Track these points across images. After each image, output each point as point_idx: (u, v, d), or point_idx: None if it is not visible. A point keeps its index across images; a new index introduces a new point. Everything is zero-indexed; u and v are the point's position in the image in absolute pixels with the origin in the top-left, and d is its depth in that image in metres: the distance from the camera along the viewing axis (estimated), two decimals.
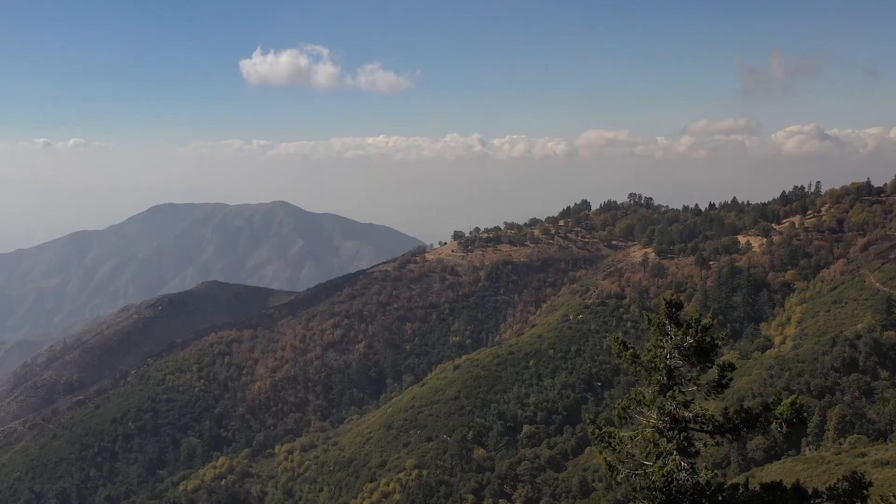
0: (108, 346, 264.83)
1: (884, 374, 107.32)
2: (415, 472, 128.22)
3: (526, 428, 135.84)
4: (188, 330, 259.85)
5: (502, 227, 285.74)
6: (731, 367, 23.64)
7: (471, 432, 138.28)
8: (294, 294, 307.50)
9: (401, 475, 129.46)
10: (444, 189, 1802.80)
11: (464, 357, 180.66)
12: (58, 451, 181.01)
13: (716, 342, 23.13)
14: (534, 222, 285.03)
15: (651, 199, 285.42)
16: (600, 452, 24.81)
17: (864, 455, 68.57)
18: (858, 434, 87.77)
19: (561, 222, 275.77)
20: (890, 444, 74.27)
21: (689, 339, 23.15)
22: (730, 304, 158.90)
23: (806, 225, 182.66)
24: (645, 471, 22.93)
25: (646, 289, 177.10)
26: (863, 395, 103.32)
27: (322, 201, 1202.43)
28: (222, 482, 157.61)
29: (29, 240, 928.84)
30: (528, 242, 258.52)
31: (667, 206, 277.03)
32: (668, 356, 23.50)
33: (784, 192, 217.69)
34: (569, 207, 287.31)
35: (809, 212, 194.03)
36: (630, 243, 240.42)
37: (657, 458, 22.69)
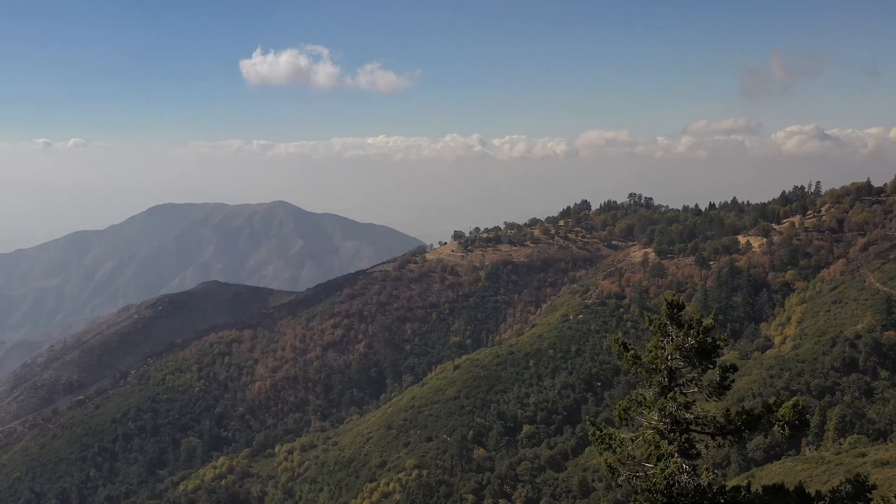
0: (108, 346, 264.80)
1: (884, 374, 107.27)
2: (415, 472, 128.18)
3: (526, 428, 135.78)
4: (188, 330, 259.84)
5: (502, 227, 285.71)
6: (734, 368, 23.57)
7: (471, 432, 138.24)
8: (294, 294, 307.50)
9: (401, 475, 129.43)
10: (444, 189, 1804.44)
11: (464, 357, 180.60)
12: (58, 451, 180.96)
13: (717, 343, 23.03)
14: (534, 222, 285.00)
15: (651, 199, 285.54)
16: (601, 454, 24.71)
17: (864, 455, 68.48)
18: (858, 434, 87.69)
19: (561, 222, 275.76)
20: (890, 445, 74.19)
21: (691, 341, 23.06)
22: (730, 304, 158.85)
23: (806, 225, 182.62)
24: (646, 473, 22.85)
25: (646, 289, 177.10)
26: (863, 395, 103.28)
27: (322, 201, 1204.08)
28: (222, 482, 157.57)
29: (29, 240, 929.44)
30: (528, 242, 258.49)
31: (667, 206, 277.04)
32: (669, 357, 23.41)
33: (784, 192, 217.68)
34: (569, 207, 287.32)
35: (809, 212, 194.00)
36: (630, 243, 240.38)
37: (658, 460, 22.61)
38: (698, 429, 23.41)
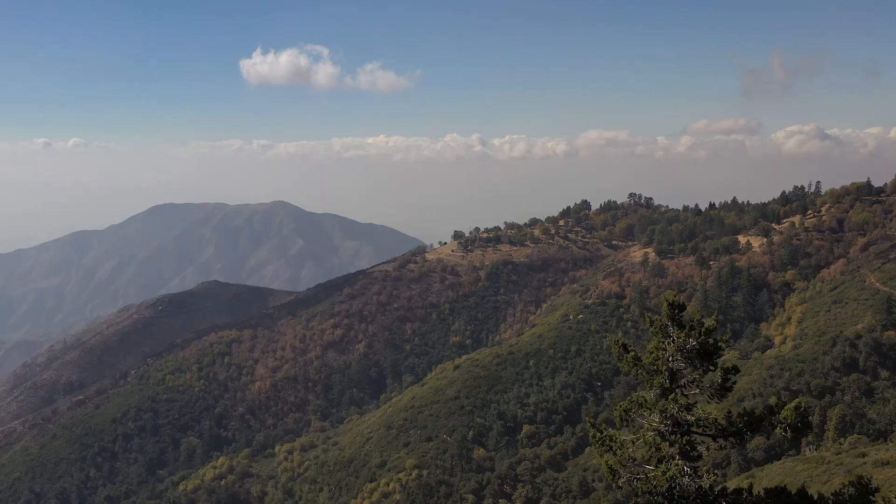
0: (108, 346, 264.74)
1: (884, 374, 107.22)
2: (415, 472, 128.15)
3: (526, 428, 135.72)
4: (188, 330, 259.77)
5: (502, 227, 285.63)
6: (735, 370, 23.47)
7: (471, 432, 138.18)
8: (294, 294, 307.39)
9: (401, 475, 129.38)
10: (444, 189, 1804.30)
11: (464, 357, 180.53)
12: (58, 451, 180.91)
13: (719, 345, 22.93)
14: (534, 222, 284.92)
15: (651, 199, 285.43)
16: (601, 456, 24.56)
17: (864, 455, 68.41)
18: (858, 434, 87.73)
19: (561, 222, 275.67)
20: (890, 444, 74.16)
21: (692, 342, 22.96)
22: (730, 304, 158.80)
23: (806, 225, 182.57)
24: (647, 475, 22.73)
25: (646, 289, 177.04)
26: (863, 395, 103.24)
27: (322, 201, 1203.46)
28: (222, 482, 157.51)
29: (29, 240, 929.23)
30: (528, 242, 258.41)
31: (667, 206, 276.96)
32: (670, 359, 23.31)
33: (784, 192, 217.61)
34: (569, 207, 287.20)
35: (809, 212, 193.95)
36: (630, 243, 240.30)
37: (659, 462, 22.51)
38: (700, 431, 23.30)
